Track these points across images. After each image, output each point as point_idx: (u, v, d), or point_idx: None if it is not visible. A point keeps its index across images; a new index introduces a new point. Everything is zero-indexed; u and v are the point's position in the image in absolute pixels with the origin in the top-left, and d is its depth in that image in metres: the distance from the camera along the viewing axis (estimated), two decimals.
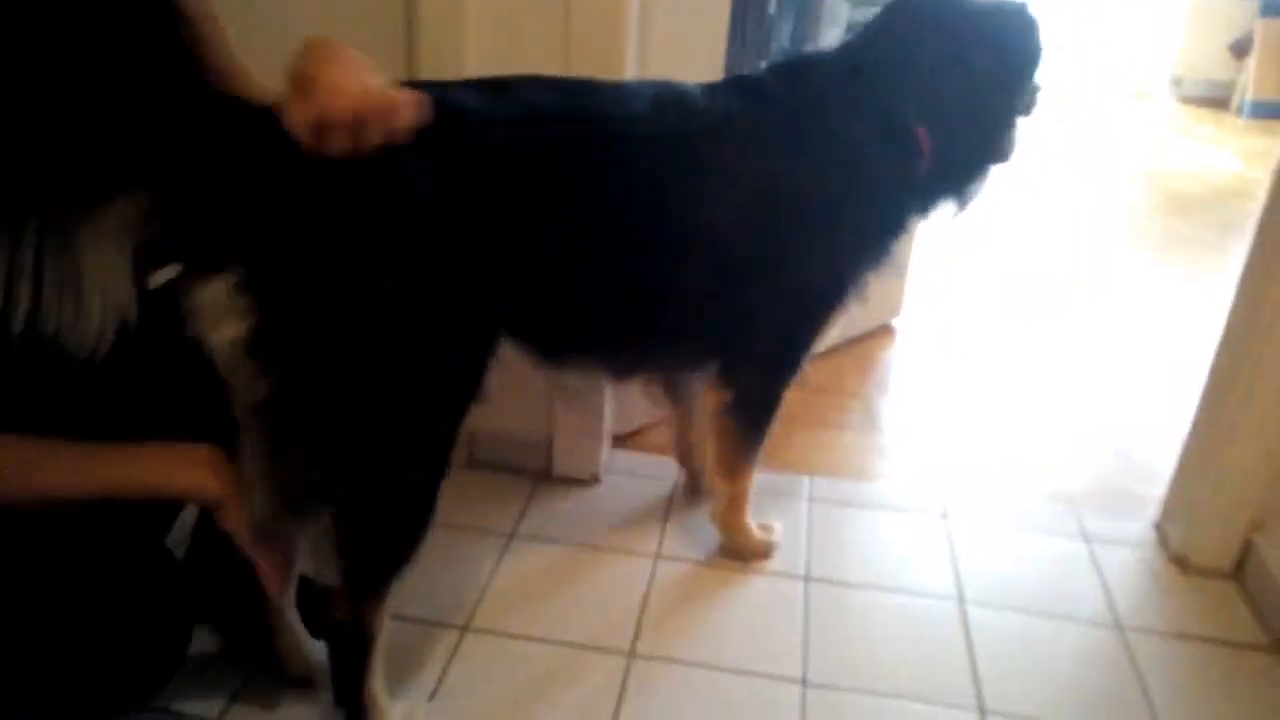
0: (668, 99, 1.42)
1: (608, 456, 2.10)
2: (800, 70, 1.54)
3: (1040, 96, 1.61)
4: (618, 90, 1.43)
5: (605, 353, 1.57)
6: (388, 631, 1.36)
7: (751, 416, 1.70)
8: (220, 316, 1.08)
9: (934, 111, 1.50)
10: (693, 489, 2.03)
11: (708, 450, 1.77)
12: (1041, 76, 1.58)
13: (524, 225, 1.29)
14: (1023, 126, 1.60)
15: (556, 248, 1.33)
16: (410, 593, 1.62)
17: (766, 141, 1.45)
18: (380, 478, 1.24)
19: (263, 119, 1.08)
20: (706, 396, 1.70)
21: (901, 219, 1.60)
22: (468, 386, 1.30)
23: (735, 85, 1.51)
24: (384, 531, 1.29)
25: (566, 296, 1.39)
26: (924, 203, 1.62)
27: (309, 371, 1.14)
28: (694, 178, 1.41)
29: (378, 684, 1.37)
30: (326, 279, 1.12)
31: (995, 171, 1.61)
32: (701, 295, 1.48)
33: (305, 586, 1.47)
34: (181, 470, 1.17)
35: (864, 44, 1.55)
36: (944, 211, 1.65)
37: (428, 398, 1.24)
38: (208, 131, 1.06)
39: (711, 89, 1.48)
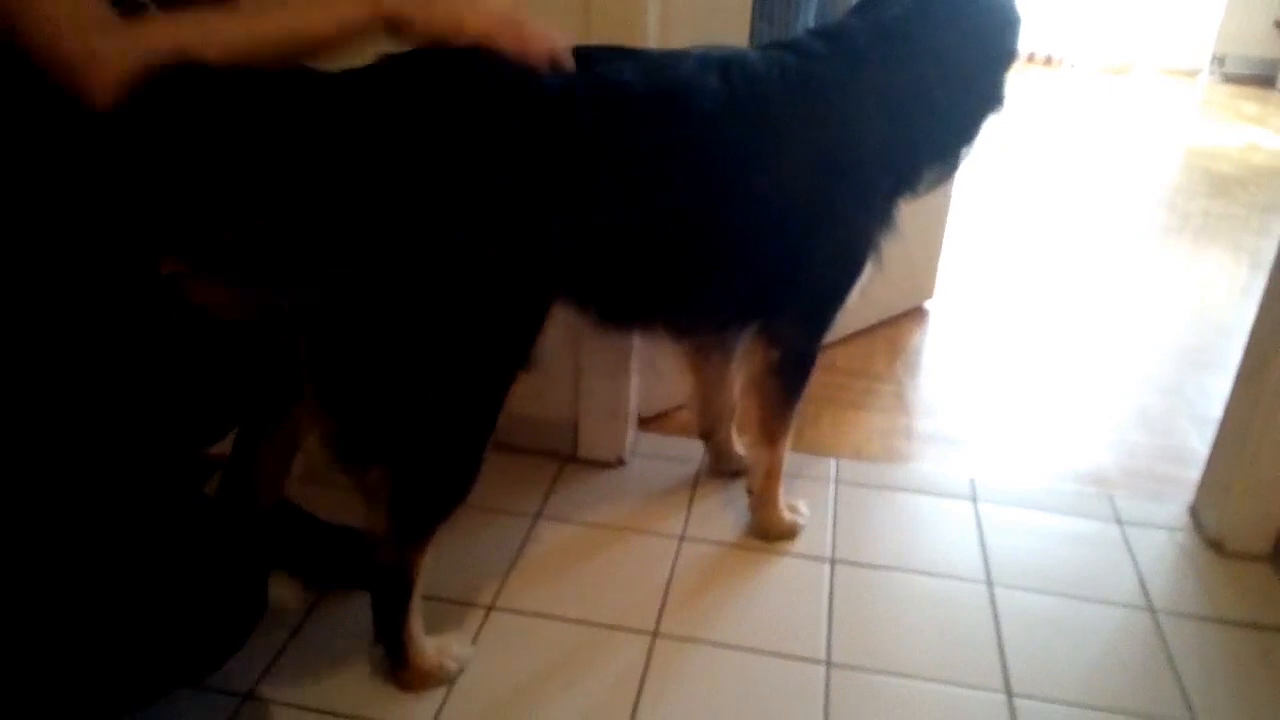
0: (733, 66, 1.44)
1: (633, 439, 2.10)
2: (838, 34, 1.56)
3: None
4: (687, 58, 1.44)
5: (667, 314, 1.62)
6: (426, 574, 1.44)
7: (795, 376, 1.71)
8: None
9: (948, 66, 1.55)
10: (716, 467, 2.03)
11: (747, 417, 1.79)
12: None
13: (600, 196, 1.32)
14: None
15: (633, 216, 1.37)
16: (436, 572, 1.64)
17: (822, 100, 1.49)
18: (429, 435, 1.33)
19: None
20: (750, 359, 1.71)
21: (926, 169, 1.64)
22: (519, 352, 1.36)
23: (786, 48, 1.53)
24: (431, 483, 1.38)
25: (637, 263, 1.44)
26: (943, 152, 1.65)
27: (369, 332, 1.22)
28: (758, 137, 1.44)
29: (417, 623, 1.46)
30: (386, 259, 1.19)
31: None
32: (763, 251, 1.53)
33: (350, 536, 1.57)
34: None
35: (884, 8, 1.57)
36: (956, 161, 1.67)
37: (480, 362, 1.31)
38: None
39: (765, 53, 1.50)
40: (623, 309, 1.54)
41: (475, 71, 1.23)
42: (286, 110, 1.15)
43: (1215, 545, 1.85)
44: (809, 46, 1.53)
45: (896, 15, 1.54)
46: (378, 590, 1.45)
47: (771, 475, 1.81)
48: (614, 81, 1.33)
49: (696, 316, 1.67)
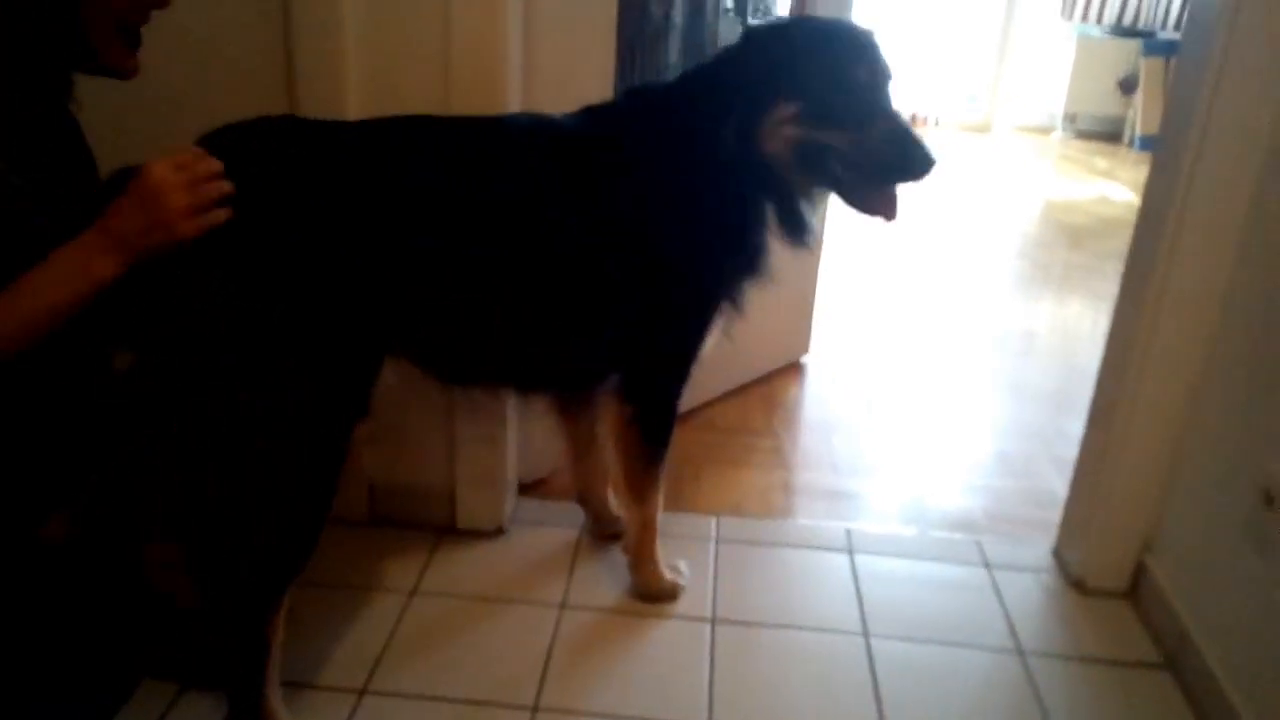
0: (536, 128, 1.51)
1: (513, 506, 2.07)
2: (650, 95, 1.62)
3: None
4: (489, 123, 1.51)
5: (503, 376, 1.63)
6: (281, 640, 1.41)
7: (653, 431, 1.72)
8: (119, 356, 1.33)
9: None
10: (596, 529, 2.02)
11: (613, 476, 1.79)
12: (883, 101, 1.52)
13: (387, 259, 1.38)
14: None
15: (427, 277, 1.41)
16: (303, 657, 1.59)
17: (622, 163, 1.51)
18: (266, 487, 1.32)
19: None
20: (606, 416, 1.70)
21: (755, 222, 1.59)
22: (346, 405, 1.39)
23: (591, 113, 1.57)
24: (273, 542, 1.36)
25: (444, 323, 1.47)
26: (781, 206, 1.59)
27: (176, 399, 1.29)
28: (557, 199, 1.47)
29: (276, 699, 1.41)
30: (177, 332, 1.28)
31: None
32: (579, 312, 1.54)
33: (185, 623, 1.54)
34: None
35: (706, 72, 1.58)
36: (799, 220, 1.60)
37: (303, 418, 1.33)
38: None
39: (576, 117, 1.55)
40: (456, 370, 1.57)
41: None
42: None
43: (1078, 585, 1.92)
44: (621, 114, 1.59)
45: (716, 67, 1.56)
46: (231, 663, 1.39)
47: (645, 532, 1.80)
48: (397, 154, 1.42)
49: (536, 377, 1.67)
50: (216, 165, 1.26)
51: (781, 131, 1.48)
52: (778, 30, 1.58)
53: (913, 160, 1.45)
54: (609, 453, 1.76)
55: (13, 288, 1.16)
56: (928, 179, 1.46)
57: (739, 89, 1.48)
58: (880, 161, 1.47)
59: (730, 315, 1.64)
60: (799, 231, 1.60)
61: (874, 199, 1.52)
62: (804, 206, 1.59)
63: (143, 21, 1.34)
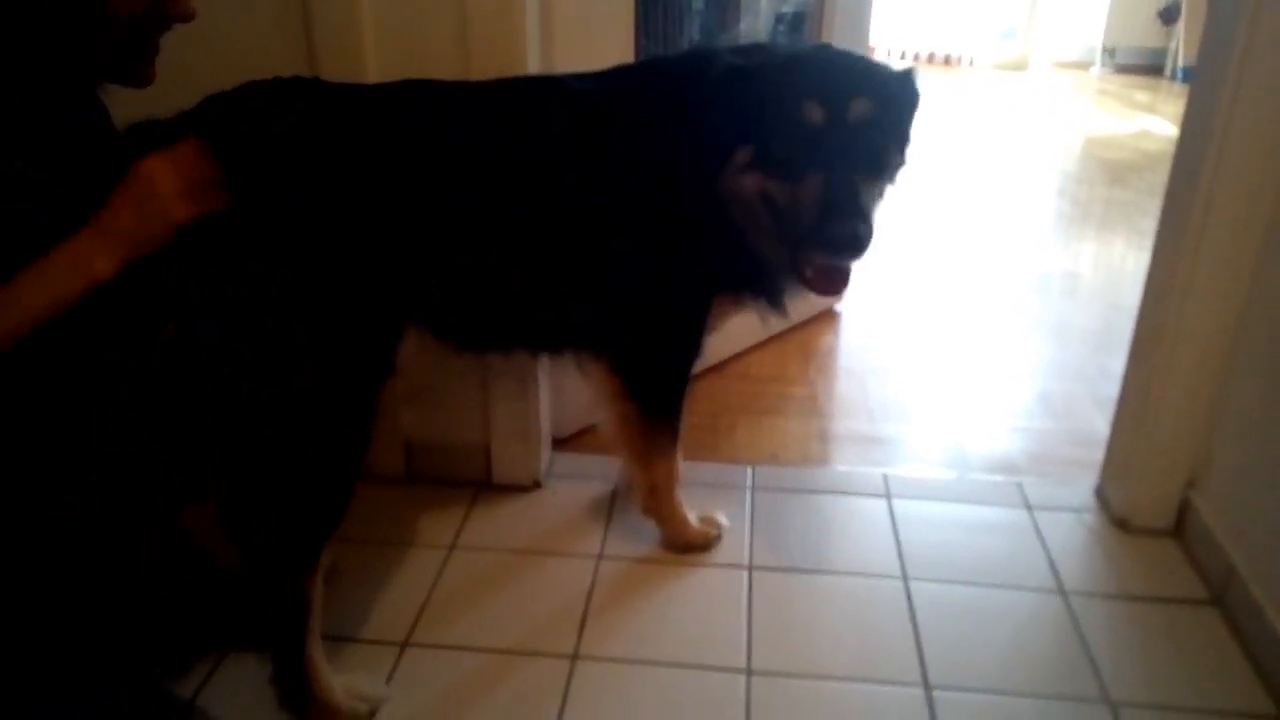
0: (548, 90, 1.47)
1: (548, 461, 2.08)
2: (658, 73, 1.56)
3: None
4: (501, 85, 1.49)
5: (505, 340, 1.62)
6: (321, 597, 1.42)
7: (652, 402, 1.70)
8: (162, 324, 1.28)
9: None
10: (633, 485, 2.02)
11: (611, 441, 1.78)
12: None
13: (410, 219, 1.38)
14: None
15: (448, 236, 1.41)
16: (346, 613, 1.62)
17: (625, 133, 1.46)
18: (302, 444, 1.33)
19: None
20: (602, 382, 1.68)
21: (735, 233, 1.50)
22: (373, 367, 1.40)
23: (605, 79, 1.51)
24: (309, 497, 1.36)
25: (464, 285, 1.47)
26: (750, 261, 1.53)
27: (209, 363, 1.29)
28: (570, 161, 1.44)
29: (318, 653, 1.42)
30: (205, 300, 1.28)
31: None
32: (568, 286, 1.53)
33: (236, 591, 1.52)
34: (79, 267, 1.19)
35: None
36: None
37: (330, 381, 1.34)
38: None
39: (589, 80, 1.49)
40: (468, 340, 1.58)
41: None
42: None
43: (1121, 524, 1.90)
44: (633, 73, 1.55)
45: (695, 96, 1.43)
46: (272, 621, 1.41)
47: (657, 494, 1.80)
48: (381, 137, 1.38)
49: (537, 342, 1.65)
50: (201, 147, 1.24)
51: (740, 180, 1.38)
52: (748, 71, 1.38)
53: (831, 234, 1.27)
54: (602, 419, 1.76)
55: (11, 284, 1.14)
56: (851, 259, 1.31)
57: (702, 131, 1.40)
58: (805, 225, 1.30)
59: (765, 312, 1.61)
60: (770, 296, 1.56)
61: (816, 271, 1.38)
62: (771, 261, 1.47)
63: (164, 31, 1.30)
